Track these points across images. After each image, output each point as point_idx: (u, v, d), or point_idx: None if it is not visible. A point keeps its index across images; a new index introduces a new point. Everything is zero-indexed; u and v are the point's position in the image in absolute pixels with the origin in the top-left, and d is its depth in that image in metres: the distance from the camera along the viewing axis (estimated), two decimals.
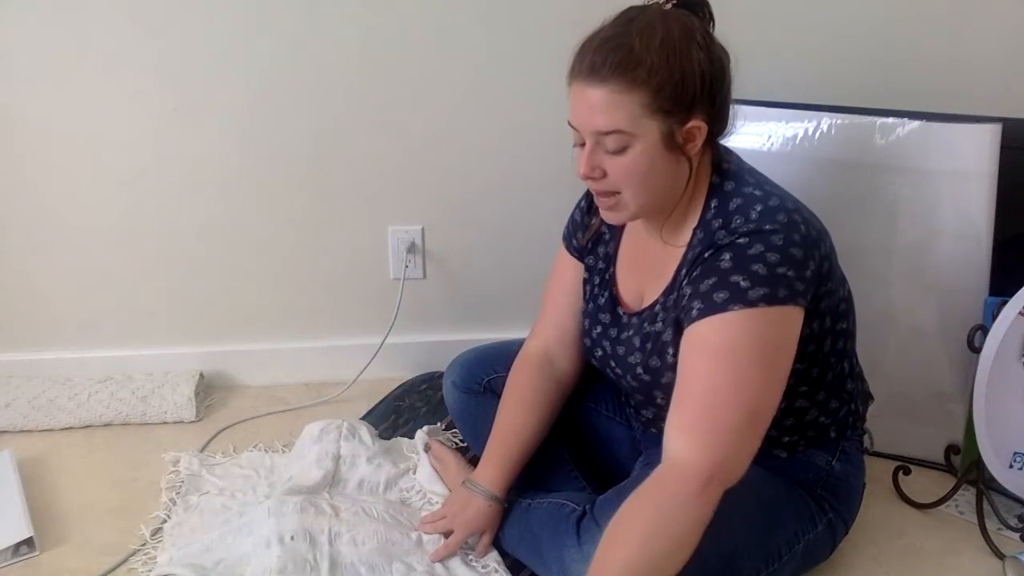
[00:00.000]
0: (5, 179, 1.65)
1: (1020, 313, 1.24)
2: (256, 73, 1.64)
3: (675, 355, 1.07)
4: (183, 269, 1.76)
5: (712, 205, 1.07)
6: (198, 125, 1.66)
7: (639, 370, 1.14)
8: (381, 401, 1.75)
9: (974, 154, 1.38)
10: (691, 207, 1.09)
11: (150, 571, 1.24)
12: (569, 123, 1.05)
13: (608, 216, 1.10)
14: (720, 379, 0.98)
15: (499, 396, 1.32)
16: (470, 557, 1.25)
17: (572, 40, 1.53)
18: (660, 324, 1.10)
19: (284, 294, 1.81)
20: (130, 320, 1.78)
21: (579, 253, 1.29)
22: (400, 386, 1.80)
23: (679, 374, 1.02)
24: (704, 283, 1.00)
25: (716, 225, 1.05)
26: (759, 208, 1.03)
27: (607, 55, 1.00)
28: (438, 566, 1.23)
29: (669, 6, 1.03)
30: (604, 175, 1.04)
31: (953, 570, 1.29)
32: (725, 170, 1.09)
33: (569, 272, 1.30)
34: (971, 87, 1.68)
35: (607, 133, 1.00)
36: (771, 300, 0.97)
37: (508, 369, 1.33)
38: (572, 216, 1.31)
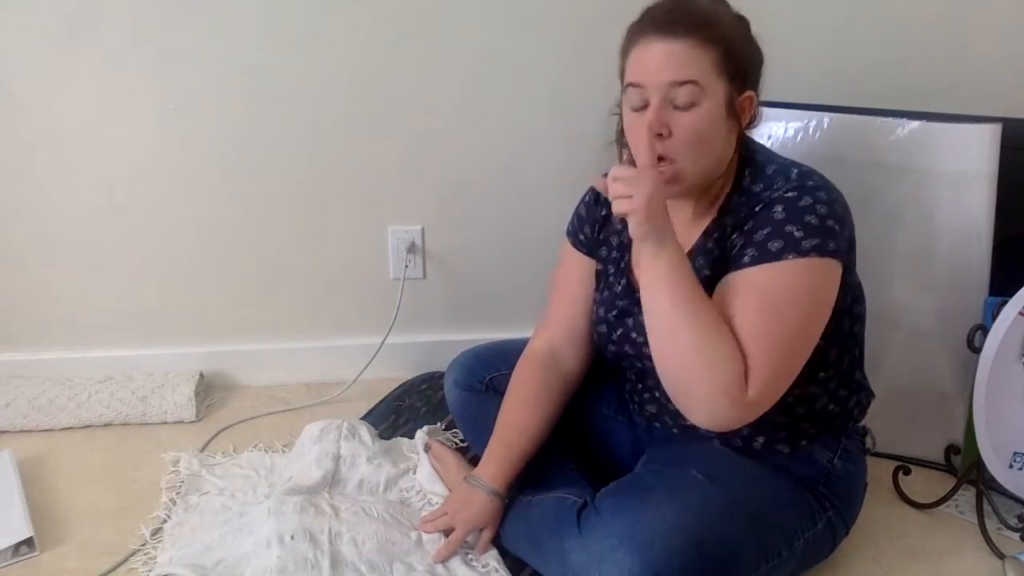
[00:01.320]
0: (5, 179, 1.66)
1: (1020, 313, 1.24)
2: (256, 73, 1.64)
3: None
4: (183, 269, 1.76)
5: (747, 173, 1.11)
6: (198, 125, 1.66)
7: None
8: (381, 401, 1.75)
9: (974, 154, 1.38)
10: (726, 179, 1.12)
11: (150, 571, 1.23)
12: (629, 84, 1.05)
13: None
14: (771, 322, 1.01)
15: (501, 395, 1.32)
16: (470, 556, 1.25)
17: (572, 41, 1.53)
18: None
19: (284, 294, 1.81)
20: (130, 320, 1.78)
21: (587, 248, 1.28)
22: (400, 386, 1.80)
23: (728, 311, 1.03)
24: (759, 233, 1.03)
25: (757, 188, 1.08)
26: (796, 172, 1.08)
27: (682, 14, 1.03)
28: (438, 565, 1.23)
29: None
30: (669, 134, 1.04)
31: (953, 570, 1.29)
32: (752, 145, 1.15)
33: (576, 269, 1.29)
34: (971, 87, 1.68)
35: (681, 83, 1.02)
36: (821, 251, 1.01)
37: (510, 367, 1.33)
38: (577, 212, 1.30)
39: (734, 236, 1.08)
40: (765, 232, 1.03)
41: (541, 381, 1.28)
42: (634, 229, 1.01)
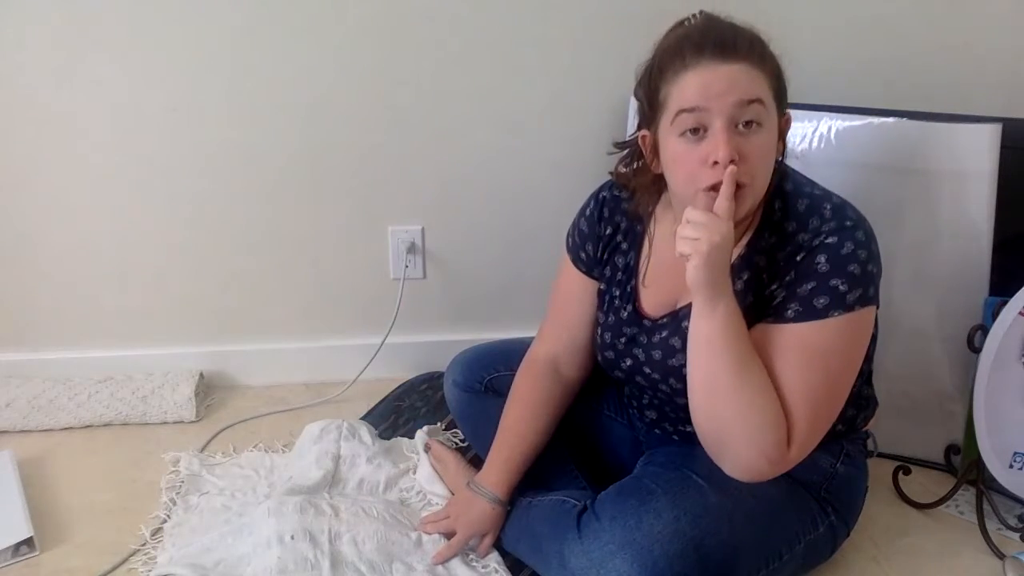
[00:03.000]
0: (4, 179, 1.65)
1: (1020, 313, 1.24)
2: (255, 73, 1.64)
3: None
4: (183, 269, 1.76)
5: (776, 207, 1.07)
6: (198, 125, 1.66)
7: (685, 371, 1.11)
8: (381, 401, 1.75)
9: (974, 154, 1.38)
10: (753, 212, 1.07)
11: (150, 571, 1.23)
12: (683, 110, 0.98)
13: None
14: (814, 377, 1.01)
15: (500, 395, 1.32)
16: (471, 557, 1.25)
17: (572, 41, 1.53)
18: None
19: (284, 294, 1.81)
20: (130, 320, 1.78)
21: (588, 268, 1.25)
22: (400, 386, 1.80)
23: (771, 366, 1.02)
24: (803, 287, 1.01)
25: (791, 228, 1.05)
26: (828, 207, 1.04)
27: (734, 34, 0.99)
28: (439, 566, 1.23)
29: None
30: (742, 159, 0.98)
31: (953, 570, 1.29)
32: (779, 171, 1.08)
33: (576, 288, 1.27)
34: (971, 87, 1.68)
35: (750, 102, 0.97)
36: (864, 301, 1.01)
37: (509, 368, 1.33)
38: (578, 226, 1.26)
39: (774, 287, 1.05)
40: (810, 287, 1.01)
41: (542, 388, 1.28)
42: (691, 274, 0.97)
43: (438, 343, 1.82)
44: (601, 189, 1.25)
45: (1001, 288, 1.33)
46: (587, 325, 1.27)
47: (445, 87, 1.69)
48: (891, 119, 1.43)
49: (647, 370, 1.18)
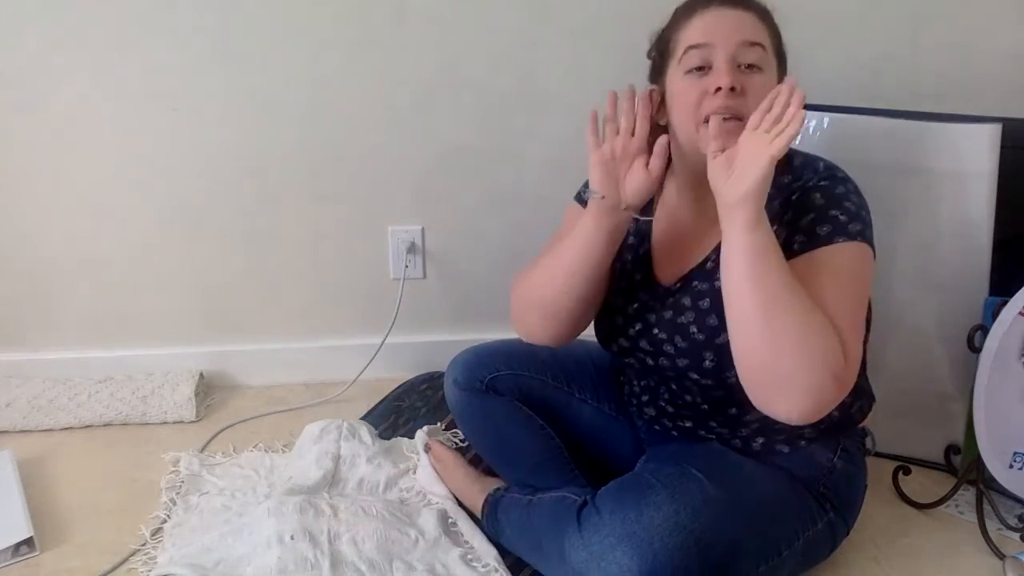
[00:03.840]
0: (4, 179, 1.65)
1: (1020, 313, 1.24)
2: (256, 73, 1.64)
3: None
4: (183, 269, 1.76)
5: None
6: (198, 125, 1.66)
7: (692, 329, 1.12)
8: (381, 401, 1.75)
9: (974, 154, 1.38)
10: None
11: (150, 571, 1.24)
12: (691, 47, 1.05)
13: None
14: (844, 297, 1.02)
15: (501, 394, 1.32)
16: (469, 556, 1.26)
17: (573, 42, 1.53)
18: (719, 281, 1.05)
19: (284, 294, 1.81)
20: (130, 320, 1.78)
21: None
22: (400, 386, 1.80)
23: None
24: (803, 219, 1.05)
25: (786, 180, 1.09)
26: (822, 164, 1.10)
27: None
28: (438, 564, 1.23)
29: None
30: (743, 91, 1.03)
31: (953, 570, 1.29)
32: None
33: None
34: (971, 87, 1.68)
35: (752, 44, 1.04)
36: (864, 238, 1.04)
37: (510, 368, 1.33)
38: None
39: (774, 227, 1.04)
40: (809, 218, 1.04)
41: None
42: (749, 183, 0.94)
43: (438, 343, 1.82)
44: None
45: (1001, 288, 1.33)
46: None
47: (445, 87, 1.69)
48: (891, 119, 1.43)
49: (655, 331, 1.17)
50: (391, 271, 1.81)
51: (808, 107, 1.46)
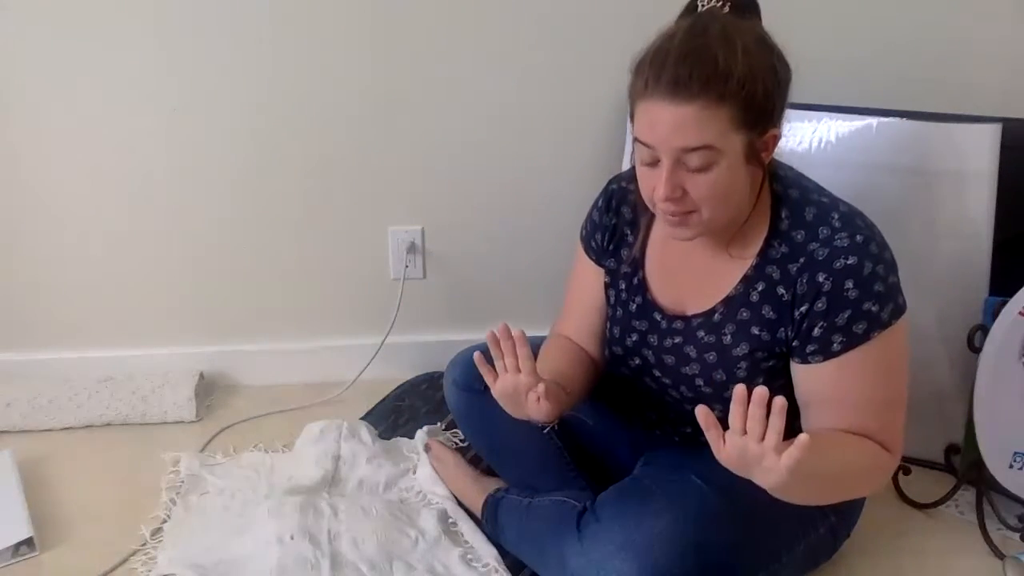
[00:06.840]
0: (4, 179, 1.65)
1: (1020, 313, 1.24)
2: (256, 73, 1.64)
3: (748, 370, 1.07)
4: (183, 269, 1.76)
5: (783, 215, 1.06)
6: (198, 125, 1.66)
7: (699, 382, 1.12)
8: (381, 401, 1.75)
9: (974, 154, 1.38)
10: (758, 216, 1.06)
11: (150, 571, 1.24)
12: (638, 140, 0.99)
13: (676, 232, 1.04)
14: (882, 394, 1.05)
15: None
16: (469, 556, 1.26)
17: (573, 42, 1.53)
18: (729, 338, 1.08)
19: (284, 294, 1.81)
20: (131, 320, 1.78)
21: (596, 256, 1.24)
22: (400, 386, 1.80)
23: (837, 395, 1.04)
24: (839, 317, 1.01)
25: (800, 238, 1.04)
26: (836, 216, 1.04)
27: (691, 69, 0.93)
28: (438, 564, 1.23)
29: (726, 8, 1.00)
30: (684, 194, 0.99)
31: (953, 570, 1.29)
32: (783, 176, 1.08)
33: (588, 275, 1.26)
34: (971, 87, 1.68)
35: (694, 150, 0.95)
36: (896, 313, 1.03)
37: None
38: (590, 216, 1.25)
39: (803, 308, 1.03)
40: (846, 316, 1.01)
41: (572, 348, 1.25)
42: (770, 484, 0.91)
43: (438, 343, 1.82)
44: (612, 180, 1.24)
45: (1001, 288, 1.33)
46: (601, 311, 1.25)
47: (445, 88, 1.69)
48: (891, 119, 1.43)
49: (656, 373, 1.17)
50: (391, 271, 1.81)
51: (808, 107, 1.49)
